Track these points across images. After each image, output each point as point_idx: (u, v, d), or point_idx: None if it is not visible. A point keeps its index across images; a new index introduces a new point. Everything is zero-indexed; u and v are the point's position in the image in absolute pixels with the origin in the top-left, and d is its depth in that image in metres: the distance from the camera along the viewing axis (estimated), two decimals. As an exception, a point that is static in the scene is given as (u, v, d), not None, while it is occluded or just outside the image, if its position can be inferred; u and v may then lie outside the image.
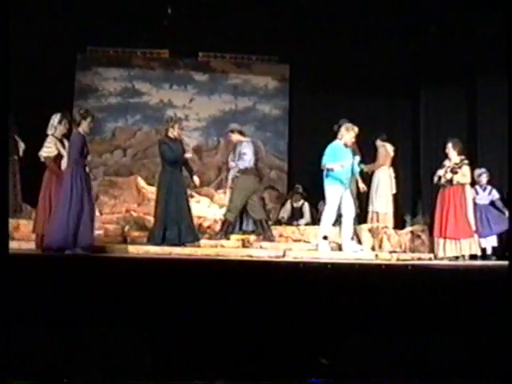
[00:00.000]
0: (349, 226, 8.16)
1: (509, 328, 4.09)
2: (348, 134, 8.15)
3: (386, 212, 9.68)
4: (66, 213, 6.73)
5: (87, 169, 6.97)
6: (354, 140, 8.29)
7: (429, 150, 10.43)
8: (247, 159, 8.59)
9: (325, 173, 8.10)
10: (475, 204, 8.77)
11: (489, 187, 9.04)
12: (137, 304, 5.15)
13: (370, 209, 9.82)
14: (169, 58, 11.17)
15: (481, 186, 9.04)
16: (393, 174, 9.84)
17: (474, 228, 8.38)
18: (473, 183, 8.74)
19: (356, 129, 8.20)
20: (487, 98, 9.73)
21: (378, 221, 9.61)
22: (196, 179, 8.21)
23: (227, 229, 8.68)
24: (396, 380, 3.78)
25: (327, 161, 8.01)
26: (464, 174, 8.29)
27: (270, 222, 9.12)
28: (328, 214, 8.10)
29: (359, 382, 3.79)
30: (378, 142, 9.92)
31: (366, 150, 9.77)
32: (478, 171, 9.03)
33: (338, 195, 8.05)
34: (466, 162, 8.36)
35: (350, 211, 8.13)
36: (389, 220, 9.61)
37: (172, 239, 7.82)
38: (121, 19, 9.44)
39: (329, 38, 9.77)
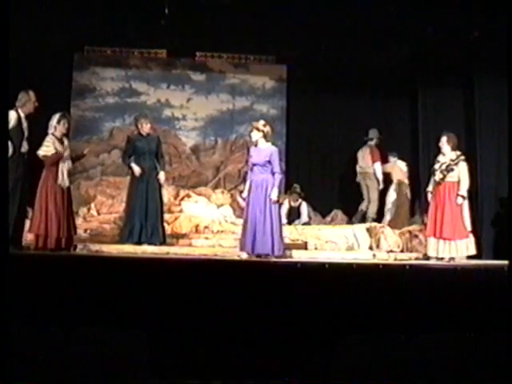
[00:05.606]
0: None
1: (508, 328, 4.08)
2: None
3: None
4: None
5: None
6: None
7: (427, 150, 10.40)
8: None
9: None
10: None
11: None
12: (134, 304, 5.14)
13: None
14: (166, 58, 11.12)
15: None
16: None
17: (469, 228, 7.85)
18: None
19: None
20: (485, 97, 9.70)
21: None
22: (161, 176, 8.09)
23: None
24: (394, 380, 3.77)
25: None
26: (461, 171, 7.77)
27: None
28: None
29: (357, 383, 3.78)
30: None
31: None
32: None
33: None
34: (462, 157, 7.87)
35: None
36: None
37: (135, 236, 7.83)
38: (118, 19, 9.41)
39: (326, 38, 9.75)
